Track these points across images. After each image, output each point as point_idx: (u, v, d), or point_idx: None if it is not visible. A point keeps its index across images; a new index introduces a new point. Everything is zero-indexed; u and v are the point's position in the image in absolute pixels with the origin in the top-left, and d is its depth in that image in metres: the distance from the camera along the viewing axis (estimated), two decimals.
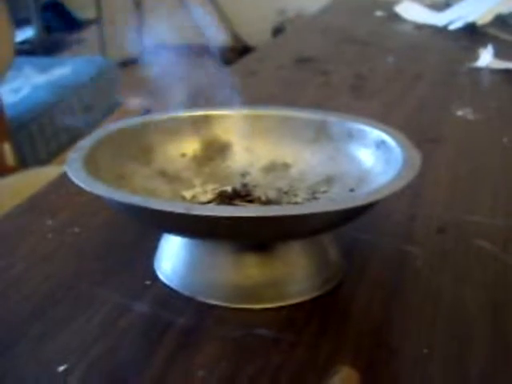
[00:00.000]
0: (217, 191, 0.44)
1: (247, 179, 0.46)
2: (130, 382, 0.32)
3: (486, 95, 0.82)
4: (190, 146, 0.46)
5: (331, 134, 0.45)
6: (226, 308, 0.38)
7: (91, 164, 0.38)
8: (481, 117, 0.72)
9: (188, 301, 0.38)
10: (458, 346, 0.35)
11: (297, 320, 0.37)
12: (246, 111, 0.47)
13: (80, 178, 0.36)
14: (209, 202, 0.42)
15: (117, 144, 0.43)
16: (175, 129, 0.46)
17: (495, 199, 0.52)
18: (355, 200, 0.33)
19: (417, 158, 0.38)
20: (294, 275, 0.38)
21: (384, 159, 0.40)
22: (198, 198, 0.43)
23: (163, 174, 0.44)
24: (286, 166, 0.46)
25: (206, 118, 0.47)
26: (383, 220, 0.47)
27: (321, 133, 0.45)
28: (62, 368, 0.33)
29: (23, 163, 1.53)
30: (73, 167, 0.37)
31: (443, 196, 0.53)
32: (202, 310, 0.38)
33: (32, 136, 1.62)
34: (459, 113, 0.73)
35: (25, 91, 1.77)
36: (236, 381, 0.32)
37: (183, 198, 0.43)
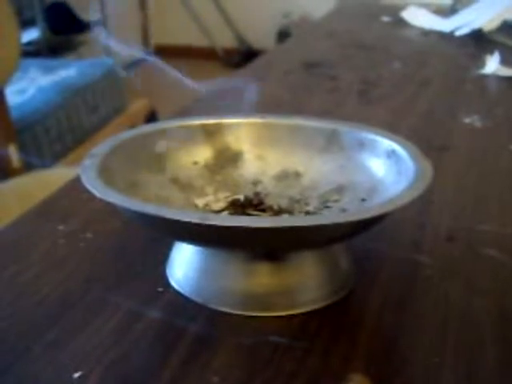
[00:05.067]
0: (229, 199, 0.44)
1: (259, 187, 0.46)
2: None
3: (492, 102, 0.82)
4: (202, 154, 0.47)
5: (342, 143, 0.45)
6: (238, 316, 0.38)
7: (105, 171, 0.39)
8: (488, 124, 0.72)
9: (200, 308, 0.39)
10: (469, 354, 0.35)
11: (309, 328, 0.37)
12: (257, 120, 0.47)
13: (94, 186, 0.36)
14: (221, 211, 0.43)
15: (130, 151, 0.43)
16: (187, 137, 0.46)
17: (503, 207, 0.52)
18: (369, 211, 0.33)
19: (428, 168, 0.38)
20: (305, 284, 0.39)
21: (395, 169, 0.40)
22: (211, 207, 0.43)
23: (176, 181, 0.44)
24: (297, 175, 0.46)
25: (218, 126, 0.47)
26: (393, 228, 0.48)
27: (332, 142, 0.46)
28: (77, 375, 0.33)
29: (28, 165, 1.53)
30: (87, 174, 0.37)
31: (452, 204, 0.53)
32: (214, 318, 0.38)
33: (37, 137, 1.62)
34: (466, 120, 0.73)
35: (30, 92, 1.77)
36: None
37: (196, 206, 0.43)
